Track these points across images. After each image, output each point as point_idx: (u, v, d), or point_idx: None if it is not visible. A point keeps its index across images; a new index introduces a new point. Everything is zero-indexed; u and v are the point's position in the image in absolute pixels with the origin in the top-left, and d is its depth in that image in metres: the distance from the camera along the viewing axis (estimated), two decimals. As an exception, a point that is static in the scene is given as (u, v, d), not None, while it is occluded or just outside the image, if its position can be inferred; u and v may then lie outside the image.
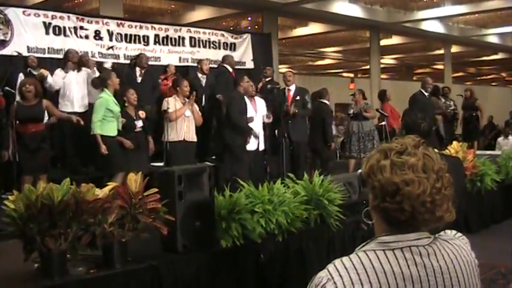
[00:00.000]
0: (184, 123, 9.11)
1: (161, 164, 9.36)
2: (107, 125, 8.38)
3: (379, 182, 1.60)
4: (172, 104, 9.05)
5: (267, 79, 12.14)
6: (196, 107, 9.43)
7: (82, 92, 9.87)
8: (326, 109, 11.35)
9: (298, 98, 10.28)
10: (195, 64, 12.46)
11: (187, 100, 9.22)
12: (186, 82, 9.44)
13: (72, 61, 9.90)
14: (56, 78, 9.73)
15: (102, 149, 8.25)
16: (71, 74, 9.80)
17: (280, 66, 21.22)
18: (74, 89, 9.77)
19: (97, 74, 10.03)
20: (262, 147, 9.59)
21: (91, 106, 9.53)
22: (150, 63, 12.38)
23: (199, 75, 11.54)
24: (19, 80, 9.45)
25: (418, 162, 1.59)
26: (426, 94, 11.74)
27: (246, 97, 9.37)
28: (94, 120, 8.31)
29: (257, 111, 9.49)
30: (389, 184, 1.58)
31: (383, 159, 1.62)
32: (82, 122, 8.53)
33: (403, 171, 1.58)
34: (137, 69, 10.96)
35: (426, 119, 4.29)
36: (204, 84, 11.44)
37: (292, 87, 10.50)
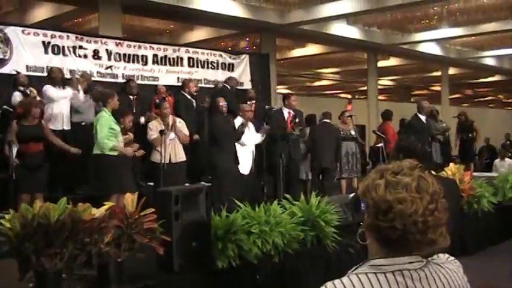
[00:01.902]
0: (169, 146, 9.18)
1: (151, 183, 9.45)
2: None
3: (372, 199, 1.61)
4: (155, 128, 9.23)
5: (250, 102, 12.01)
6: (184, 128, 9.55)
7: (67, 110, 9.82)
8: (335, 129, 11.48)
9: (297, 120, 10.42)
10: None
11: (171, 120, 9.39)
12: (166, 103, 9.71)
13: (57, 79, 9.82)
14: (53, 92, 9.67)
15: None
16: (58, 91, 9.71)
17: (278, 87, 21.28)
18: (62, 107, 9.73)
19: (81, 93, 9.99)
20: (250, 170, 9.64)
21: (76, 125, 9.64)
22: (148, 82, 12.44)
23: (188, 96, 11.54)
24: (17, 99, 9.46)
25: (412, 182, 1.60)
26: (422, 118, 11.71)
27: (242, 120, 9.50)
28: (102, 136, 8.19)
29: (250, 135, 9.63)
30: (382, 201, 1.59)
31: (378, 178, 1.64)
32: (79, 152, 8.55)
33: (396, 189, 1.59)
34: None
35: (420, 142, 4.30)
36: (195, 104, 11.47)
37: (291, 111, 10.63)
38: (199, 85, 12.64)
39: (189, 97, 11.54)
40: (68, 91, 9.82)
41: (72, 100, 9.88)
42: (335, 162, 11.38)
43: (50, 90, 9.66)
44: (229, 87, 12.31)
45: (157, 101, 11.04)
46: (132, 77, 12.01)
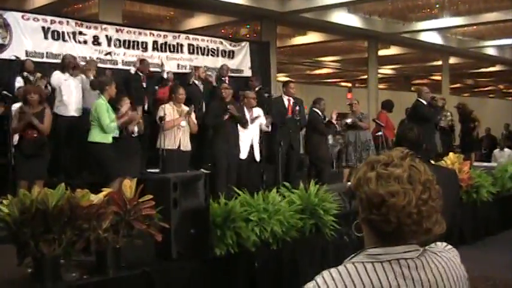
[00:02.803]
0: (179, 132, 9.09)
1: (156, 170, 9.38)
2: (103, 131, 8.38)
3: (365, 193, 1.60)
4: (168, 111, 9.04)
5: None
6: (192, 116, 9.40)
7: (78, 97, 9.88)
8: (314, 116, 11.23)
9: (298, 108, 10.38)
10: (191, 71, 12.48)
11: (183, 108, 9.20)
12: (182, 89, 9.42)
13: (69, 66, 9.89)
14: (56, 78, 9.73)
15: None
16: (69, 79, 9.80)
17: (278, 75, 21.23)
18: (72, 93, 9.78)
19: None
20: (258, 156, 9.70)
21: (85, 111, 9.56)
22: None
23: (197, 82, 11.57)
24: (16, 85, 9.50)
25: (403, 174, 1.58)
26: (425, 103, 11.71)
27: (245, 107, 9.47)
28: (106, 123, 8.27)
29: (253, 121, 9.63)
30: (374, 196, 1.58)
31: (369, 171, 1.62)
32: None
33: (388, 182, 1.58)
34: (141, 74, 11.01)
35: (415, 128, 4.27)
36: (202, 90, 11.48)
37: (291, 98, 10.60)
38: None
39: (197, 83, 11.57)
40: (78, 79, 9.86)
41: (84, 85, 9.93)
42: (326, 151, 11.32)
43: (54, 76, 9.79)
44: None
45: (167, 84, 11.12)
46: (132, 63, 11.97)
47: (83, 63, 10.67)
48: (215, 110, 9.35)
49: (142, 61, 11.28)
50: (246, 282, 5.65)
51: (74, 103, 9.81)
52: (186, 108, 9.24)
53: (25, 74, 9.80)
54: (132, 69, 10.97)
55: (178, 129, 9.05)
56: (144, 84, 10.93)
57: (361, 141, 11.44)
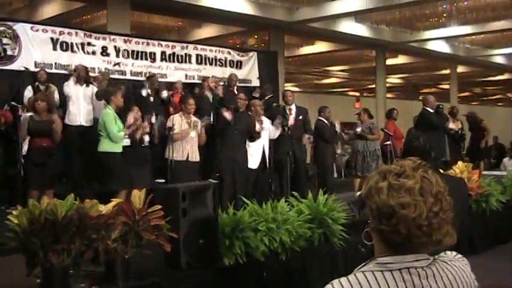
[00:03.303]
0: (188, 144, 9.06)
1: (163, 180, 9.39)
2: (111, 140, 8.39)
3: (376, 204, 1.59)
4: (178, 122, 9.01)
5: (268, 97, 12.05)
6: (199, 128, 9.36)
7: (89, 107, 9.98)
8: (320, 124, 11.22)
9: (301, 117, 10.35)
10: (200, 81, 12.50)
11: (193, 119, 9.21)
12: (191, 100, 9.36)
13: (81, 76, 9.99)
14: (68, 87, 9.85)
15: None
16: (79, 89, 9.92)
17: (286, 84, 21.26)
18: (82, 103, 9.90)
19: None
20: (256, 166, 9.67)
21: (95, 121, 9.60)
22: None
23: (206, 92, 11.60)
24: (27, 94, 9.57)
25: (415, 185, 1.58)
26: (431, 111, 11.68)
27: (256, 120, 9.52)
28: (114, 132, 8.25)
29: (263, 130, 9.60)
30: (385, 206, 1.57)
31: (381, 181, 1.61)
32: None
33: (399, 193, 1.57)
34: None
35: (420, 137, 4.25)
36: (211, 100, 11.49)
37: (293, 106, 10.55)
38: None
39: (206, 92, 11.59)
40: (89, 89, 9.95)
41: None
42: (333, 159, 11.29)
43: (66, 86, 9.94)
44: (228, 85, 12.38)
45: (171, 95, 11.15)
46: (140, 73, 12.01)
47: (96, 74, 10.76)
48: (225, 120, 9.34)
49: (151, 77, 11.35)
50: (255, 292, 5.64)
51: (84, 113, 9.90)
52: (194, 119, 9.24)
53: (36, 83, 9.87)
54: (144, 92, 10.91)
55: (186, 141, 9.02)
56: (152, 99, 10.95)
57: (369, 150, 11.42)
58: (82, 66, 10.45)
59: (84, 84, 10.03)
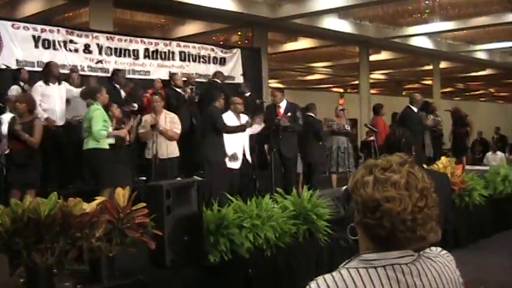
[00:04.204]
0: (163, 141, 9.17)
1: (144, 178, 9.43)
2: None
3: (361, 197, 1.60)
4: (148, 122, 9.23)
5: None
6: (175, 123, 9.44)
7: (62, 106, 9.77)
8: (315, 121, 11.25)
9: (289, 114, 10.23)
10: (184, 78, 12.42)
11: (167, 116, 9.38)
12: (156, 97, 9.62)
13: (54, 74, 9.78)
14: (38, 88, 9.56)
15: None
16: (52, 87, 9.66)
17: (270, 81, 21.26)
18: (56, 102, 9.66)
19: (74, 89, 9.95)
20: (250, 159, 9.65)
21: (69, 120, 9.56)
22: (139, 77, 12.41)
23: (177, 90, 11.52)
24: (10, 93, 9.40)
25: (401, 180, 1.58)
26: (415, 110, 11.74)
27: (233, 113, 9.44)
28: (97, 129, 8.17)
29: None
30: (370, 200, 1.57)
31: (367, 174, 1.62)
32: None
33: (385, 187, 1.57)
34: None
35: (397, 131, 4.25)
36: (187, 97, 11.46)
37: (283, 104, 10.39)
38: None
39: (178, 90, 11.52)
40: (63, 87, 9.76)
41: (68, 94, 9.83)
42: (322, 156, 11.32)
43: (40, 86, 9.56)
44: (219, 82, 12.30)
45: (147, 94, 11.05)
46: (124, 71, 11.93)
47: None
48: (219, 114, 9.29)
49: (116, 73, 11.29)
50: (240, 288, 5.64)
51: (59, 112, 9.68)
52: (171, 116, 9.47)
53: (21, 83, 9.71)
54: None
55: (162, 138, 9.11)
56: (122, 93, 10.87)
57: (341, 147, 11.57)
58: (55, 63, 10.22)
59: (57, 83, 9.76)
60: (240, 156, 9.53)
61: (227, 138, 9.27)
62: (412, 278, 1.59)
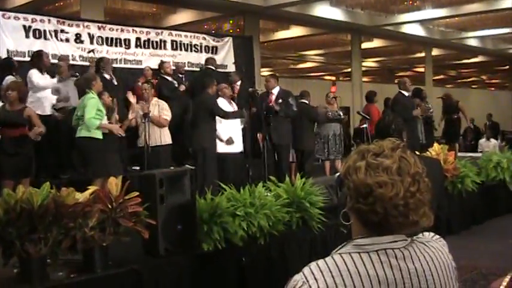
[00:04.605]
0: (154, 128, 9.20)
1: (138, 167, 9.42)
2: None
3: (353, 182, 1.60)
4: (137, 109, 9.27)
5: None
6: (164, 111, 9.43)
7: (54, 96, 9.70)
8: (310, 108, 11.27)
9: (280, 100, 10.17)
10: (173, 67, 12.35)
11: (157, 104, 9.41)
12: (145, 85, 9.64)
13: (45, 64, 9.70)
14: (36, 77, 9.50)
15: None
16: (46, 77, 9.59)
17: (262, 69, 21.21)
18: (47, 92, 9.58)
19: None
20: (241, 149, 9.65)
21: (60, 110, 9.53)
22: (131, 66, 12.36)
23: (168, 78, 11.48)
24: (5, 83, 9.29)
25: (393, 165, 1.58)
26: (406, 94, 11.72)
27: (225, 99, 9.45)
28: (89, 116, 8.05)
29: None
30: (362, 185, 1.57)
31: (359, 160, 1.62)
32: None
33: (377, 172, 1.57)
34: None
35: (386, 117, 4.25)
36: (177, 85, 11.43)
37: (275, 90, 10.34)
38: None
39: (169, 79, 11.48)
40: (54, 79, 9.68)
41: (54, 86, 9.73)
42: (314, 144, 11.33)
43: (35, 76, 9.46)
44: (214, 68, 12.25)
45: (139, 83, 11.00)
46: (115, 60, 11.87)
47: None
48: (215, 101, 9.32)
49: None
50: (234, 277, 5.65)
51: (49, 102, 9.61)
52: (160, 103, 9.49)
53: (14, 73, 9.61)
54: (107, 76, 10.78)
55: (152, 126, 9.16)
56: (115, 82, 10.76)
57: (335, 134, 11.60)
58: (45, 53, 10.12)
59: (46, 72, 9.65)
60: (240, 139, 9.56)
61: (223, 123, 9.31)
62: (405, 263, 1.59)
